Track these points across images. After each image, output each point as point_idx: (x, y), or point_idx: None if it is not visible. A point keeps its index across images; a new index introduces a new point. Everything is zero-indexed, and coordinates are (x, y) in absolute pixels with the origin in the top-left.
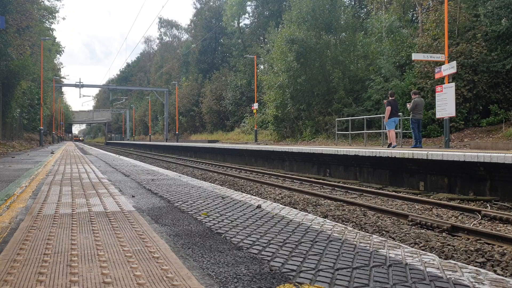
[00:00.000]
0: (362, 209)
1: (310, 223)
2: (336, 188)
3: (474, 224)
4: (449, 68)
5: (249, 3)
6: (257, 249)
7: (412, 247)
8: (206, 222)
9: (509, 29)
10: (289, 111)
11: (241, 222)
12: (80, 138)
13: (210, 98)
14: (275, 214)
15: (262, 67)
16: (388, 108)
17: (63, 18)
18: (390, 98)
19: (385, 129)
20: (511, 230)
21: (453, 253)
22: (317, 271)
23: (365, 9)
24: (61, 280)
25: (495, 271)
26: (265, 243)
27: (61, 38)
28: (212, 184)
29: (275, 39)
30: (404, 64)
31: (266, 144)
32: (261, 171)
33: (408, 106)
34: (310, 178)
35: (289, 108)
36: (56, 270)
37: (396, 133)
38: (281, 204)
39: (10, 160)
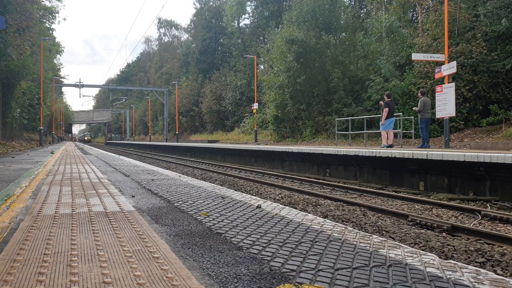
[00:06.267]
0: (362, 209)
1: (310, 223)
2: (336, 188)
3: (474, 224)
4: (449, 68)
5: (249, 3)
6: (257, 249)
7: (412, 247)
8: (206, 222)
9: (509, 29)
10: (289, 111)
11: (241, 222)
12: (86, 138)
13: (210, 98)
14: (275, 214)
15: (262, 67)
16: (386, 110)
17: (64, 19)
18: (387, 99)
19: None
20: (511, 230)
21: (453, 253)
22: (317, 271)
23: (365, 9)
24: (61, 280)
25: (495, 271)
26: (265, 243)
27: (61, 37)
28: (212, 184)
29: (275, 39)
30: (404, 64)
31: (266, 144)
32: (261, 171)
33: (415, 109)
34: (310, 178)
35: (289, 108)
36: (56, 270)
37: (395, 133)
38: (281, 204)
39: (10, 160)
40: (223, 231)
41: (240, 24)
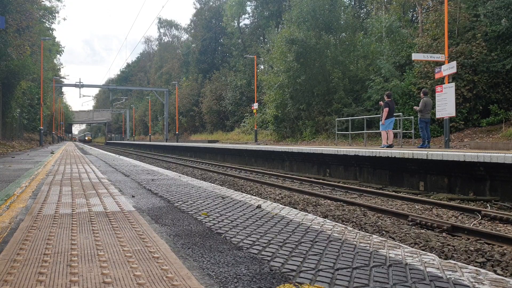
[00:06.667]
0: (362, 209)
1: (310, 223)
2: (336, 188)
3: (474, 224)
4: (449, 68)
5: (249, 3)
6: (257, 249)
7: (412, 247)
8: (206, 222)
9: (509, 29)
10: (289, 111)
11: (241, 222)
12: (86, 138)
13: (210, 98)
14: (275, 214)
15: (262, 67)
16: (386, 110)
17: (64, 19)
18: (387, 99)
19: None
20: (511, 230)
21: (453, 253)
22: (317, 271)
23: (365, 9)
24: (61, 280)
25: (495, 271)
26: (265, 243)
27: (61, 37)
28: (212, 184)
29: (275, 39)
30: (404, 64)
31: (266, 144)
32: (261, 171)
33: (416, 108)
34: (310, 178)
35: (289, 108)
36: (56, 270)
37: (395, 133)
38: (281, 204)
39: (10, 160)
40: (223, 231)
41: (240, 24)
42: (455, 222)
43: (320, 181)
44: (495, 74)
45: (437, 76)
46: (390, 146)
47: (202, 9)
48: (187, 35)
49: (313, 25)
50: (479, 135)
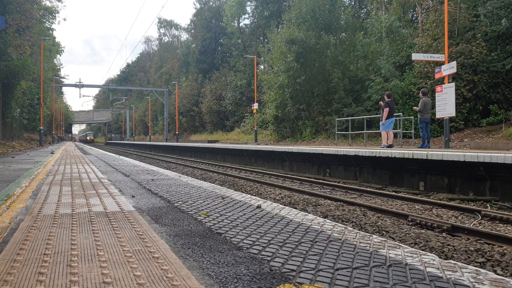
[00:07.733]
0: (362, 209)
1: (310, 223)
2: (336, 188)
3: (474, 224)
4: (449, 68)
5: (249, 3)
6: (257, 249)
7: (412, 247)
8: (206, 222)
9: (509, 29)
10: (289, 111)
11: (241, 222)
12: (88, 138)
13: (210, 98)
14: (275, 214)
15: (262, 67)
16: (386, 109)
17: (64, 19)
18: (387, 99)
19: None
20: (511, 230)
21: (453, 253)
22: (317, 271)
23: (365, 9)
24: (61, 280)
25: (495, 271)
26: (265, 243)
27: (61, 37)
28: (212, 184)
29: (275, 40)
30: (404, 64)
31: (266, 144)
32: (261, 171)
33: (416, 108)
34: (310, 178)
35: (289, 108)
36: (56, 270)
37: (395, 133)
38: (281, 204)
39: (10, 160)
40: (223, 231)
41: (240, 24)
42: (455, 222)
43: (320, 181)
44: (495, 74)
45: (437, 76)
46: (390, 146)
47: (202, 9)
48: (187, 35)
49: (313, 25)
50: (479, 135)
